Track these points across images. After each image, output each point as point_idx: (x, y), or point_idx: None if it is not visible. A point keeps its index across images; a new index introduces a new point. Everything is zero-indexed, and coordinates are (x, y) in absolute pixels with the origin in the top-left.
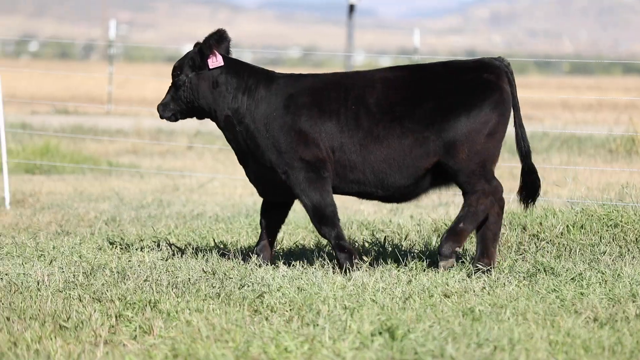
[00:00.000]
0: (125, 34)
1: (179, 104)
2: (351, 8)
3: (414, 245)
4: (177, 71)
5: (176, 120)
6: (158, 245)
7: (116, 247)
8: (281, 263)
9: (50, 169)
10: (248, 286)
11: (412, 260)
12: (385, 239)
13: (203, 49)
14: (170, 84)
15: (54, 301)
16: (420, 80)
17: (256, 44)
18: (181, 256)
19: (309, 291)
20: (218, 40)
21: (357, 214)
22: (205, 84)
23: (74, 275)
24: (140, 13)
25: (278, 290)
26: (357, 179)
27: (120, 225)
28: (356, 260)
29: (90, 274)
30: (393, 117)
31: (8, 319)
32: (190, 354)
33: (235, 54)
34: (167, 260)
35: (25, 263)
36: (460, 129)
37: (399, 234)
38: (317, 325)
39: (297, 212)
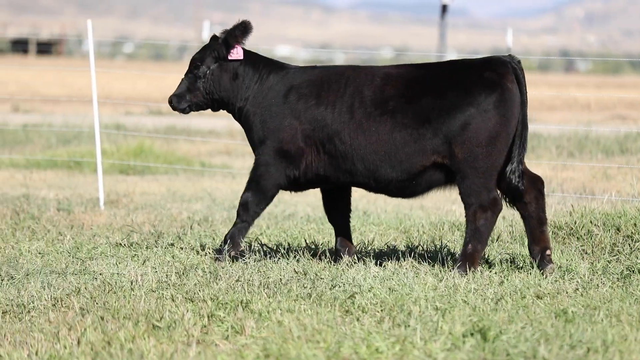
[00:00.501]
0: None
1: (196, 95)
2: (444, 8)
3: (506, 246)
4: (197, 62)
5: (189, 112)
6: (250, 246)
7: (208, 247)
8: (372, 264)
9: (144, 170)
10: (339, 287)
11: (504, 262)
12: None
13: (229, 40)
14: (185, 75)
15: (147, 301)
16: (420, 78)
17: (348, 44)
18: (273, 256)
19: (400, 292)
20: (243, 32)
21: (448, 214)
22: (226, 76)
23: (166, 275)
24: (233, 13)
25: (369, 290)
26: (348, 169)
27: (212, 226)
28: (232, 255)
29: (183, 274)
30: (385, 111)
31: (102, 318)
32: (282, 354)
33: (327, 54)
34: (258, 260)
35: (119, 263)
36: (456, 128)
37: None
38: (409, 326)
39: (388, 213)
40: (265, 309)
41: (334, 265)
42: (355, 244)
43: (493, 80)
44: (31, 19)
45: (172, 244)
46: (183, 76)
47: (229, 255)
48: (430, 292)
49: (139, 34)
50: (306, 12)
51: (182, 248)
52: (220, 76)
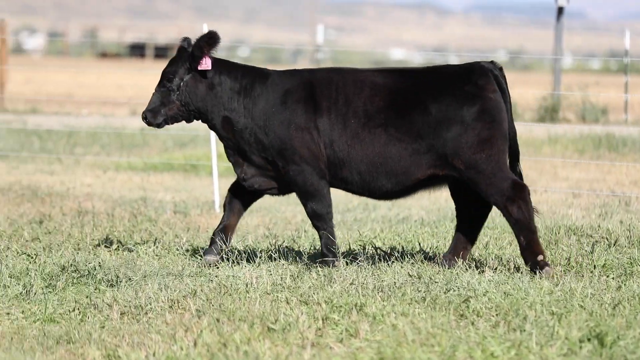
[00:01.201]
0: (333, 39)
1: (171, 109)
2: (560, 10)
3: (623, 250)
4: (169, 75)
5: (165, 125)
6: (364, 249)
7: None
8: (487, 267)
9: None
10: (454, 290)
11: (621, 267)
12: (593, 244)
13: (195, 52)
14: (156, 89)
15: (262, 303)
16: (406, 90)
17: (462, 47)
18: (387, 260)
19: (516, 296)
20: (209, 42)
21: (564, 218)
22: (202, 86)
23: (281, 277)
24: (348, 18)
25: (484, 295)
26: (344, 178)
27: None
28: (334, 264)
29: (297, 276)
30: (378, 124)
31: (218, 320)
32: (396, 357)
33: (441, 58)
34: (372, 264)
35: (235, 265)
36: (447, 144)
37: (607, 240)
38: (524, 330)
39: (502, 217)
40: (380, 313)
41: (448, 269)
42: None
43: (473, 93)
44: (149, 24)
45: (287, 247)
46: (154, 91)
47: (333, 266)
48: (546, 296)
49: (254, 38)
50: (421, 15)
51: (295, 251)
52: (196, 87)
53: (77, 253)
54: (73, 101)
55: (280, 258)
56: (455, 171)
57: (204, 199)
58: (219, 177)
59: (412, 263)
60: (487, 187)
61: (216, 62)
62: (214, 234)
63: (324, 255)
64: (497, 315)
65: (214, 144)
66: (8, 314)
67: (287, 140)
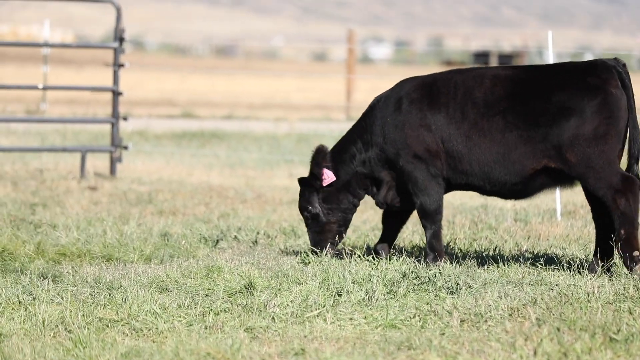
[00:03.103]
0: None
1: (331, 230)
2: None
3: None
4: (307, 210)
5: (337, 245)
6: None
7: None
8: None
9: None
10: None
11: None
12: None
13: (314, 171)
14: (308, 228)
15: (604, 313)
16: (528, 80)
17: None
18: None
19: None
20: (323, 156)
21: None
22: (340, 194)
23: (624, 287)
24: None
25: None
26: (464, 170)
27: None
28: (440, 263)
29: None
30: (497, 111)
31: (558, 329)
32: None
33: None
34: None
35: (575, 275)
36: (563, 134)
37: None
38: None
39: None
40: None
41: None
42: None
43: (596, 85)
44: (493, 31)
45: None
46: (307, 230)
47: (435, 264)
48: None
49: (600, 45)
50: None
51: None
52: (338, 194)
53: (418, 260)
54: None
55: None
56: (565, 165)
57: (545, 207)
58: None
59: None
60: (596, 181)
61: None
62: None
63: (426, 254)
64: None
65: None
66: (351, 319)
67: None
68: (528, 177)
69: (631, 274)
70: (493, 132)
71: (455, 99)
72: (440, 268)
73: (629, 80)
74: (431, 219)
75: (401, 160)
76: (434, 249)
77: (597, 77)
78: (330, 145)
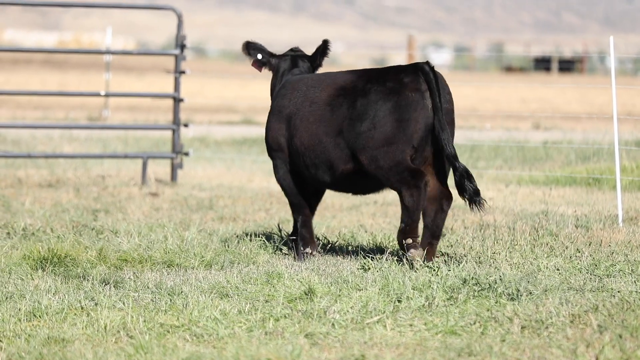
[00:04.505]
0: None
1: None
2: None
3: None
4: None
5: None
6: None
7: None
8: None
9: None
10: None
11: None
12: None
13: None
14: None
15: None
16: (348, 86)
17: None
18: None
19: None
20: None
21: None
22: None
23: None
24: None
25: None
26: (298, 170)
27: None
28: (309, 250)
29: None
30: (319, 117)
31: (620, 336)
32: None
33: None
34: None
35: (637, 281)
36: (357, 139)
37: None
38: None
39: None
40: None
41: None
42: None
43: (393, 89)
44: (555, 37)
45: None
46: None
47: (304, 254)
48: None
49: None
50: None
51: None
52: None
53: (478, 266)
54: (477, 115)
55: None
56: (362, 166)
57: (606, 213)
58: (623, 191)
59: None
60: (386, 180)
61: None
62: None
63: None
64: None
65: (618, 157)
66: (411, 325)
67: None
68: (347, 177)
69: (408, 260)
70: (317, 136)
71: (297, 100)
72: (309, 255)
73: (436, 83)
74: (297, 210)
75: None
76: (304, 238)
77: (397, 81)
78: None
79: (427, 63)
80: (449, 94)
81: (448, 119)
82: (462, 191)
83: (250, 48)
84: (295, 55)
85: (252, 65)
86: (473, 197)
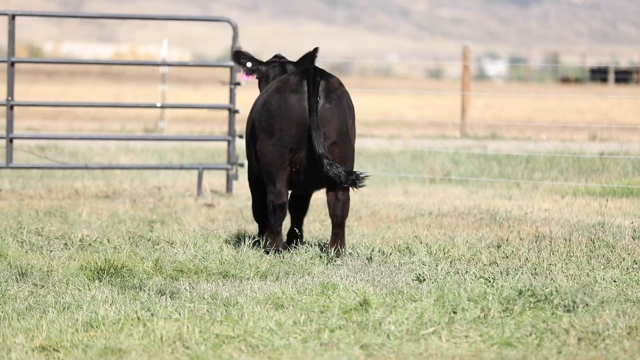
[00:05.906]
0: None
1: None
2: None
3: None
4: None
5: None
6: None
7: None
8: None
9: None
10: None
11: None
12: None
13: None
14: None
15: None
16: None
17: None
18: None
19: None
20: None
21: None
22: None
23: None
24: None
25: None
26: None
27: None
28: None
29: None
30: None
31: None
32: None
33: None
34: None
35: None
36: (248, 136)
37: None
38: None
39: None
40: None
41: None
42: None
43: (276, 89)
44: (611, 48)
45: None
46: None
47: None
48: None
49: None
50: None
51: None
52: None
53: (534, 277)
54: (532, 126)
55: None
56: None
57: None
58: None
59: None
60: (261, 176)
61: None
62: None
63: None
64: None
65: None
66: (466, 336)
67: None
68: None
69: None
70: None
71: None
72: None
73: (315, 86)
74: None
75: None
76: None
77: (284, 82)
78: (445, 162)
79: (313, 66)
80: (340, 96)
81: (328, 119)
82: (337, 180)
83: (240, 57)
84: (283, 61)
85: (242, 73)
86: (348, 177)
